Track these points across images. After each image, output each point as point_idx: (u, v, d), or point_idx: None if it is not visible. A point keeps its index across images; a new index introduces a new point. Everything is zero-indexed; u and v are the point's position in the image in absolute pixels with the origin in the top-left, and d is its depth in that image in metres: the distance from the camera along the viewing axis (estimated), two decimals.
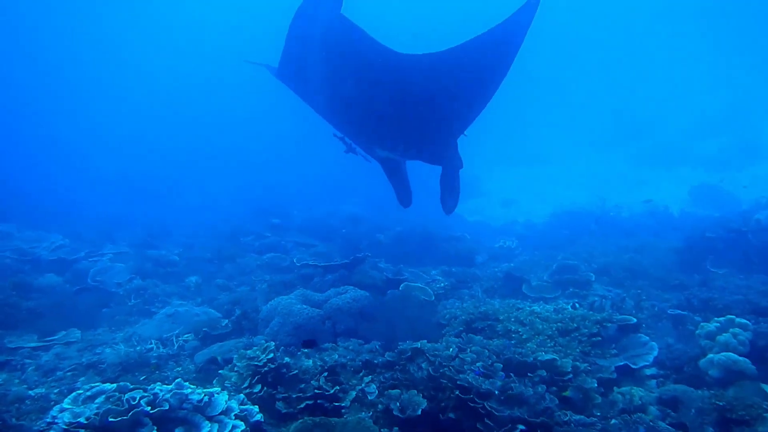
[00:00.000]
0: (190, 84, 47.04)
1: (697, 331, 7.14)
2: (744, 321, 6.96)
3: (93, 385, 4.90)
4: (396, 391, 5.81)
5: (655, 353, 7.03)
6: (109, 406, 4.35)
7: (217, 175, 28.12)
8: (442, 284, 10.47)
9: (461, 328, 7.95)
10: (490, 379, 5.83)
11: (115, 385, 4.82)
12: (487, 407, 5.46)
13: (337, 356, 6.40)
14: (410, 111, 7.08)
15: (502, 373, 6.05)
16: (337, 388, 5.70)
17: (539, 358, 6.41)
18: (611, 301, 8.62)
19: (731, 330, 6.85)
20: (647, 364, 6.91)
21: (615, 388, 6.23)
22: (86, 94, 45.84)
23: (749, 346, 6.71)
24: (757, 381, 6.28)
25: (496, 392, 5.66)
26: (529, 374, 6.23)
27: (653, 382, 6.73)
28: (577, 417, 5.74)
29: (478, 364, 6.07)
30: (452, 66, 6.44)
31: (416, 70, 6.57)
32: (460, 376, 5.80)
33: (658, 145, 28.17)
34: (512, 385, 5.82)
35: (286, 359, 6.05)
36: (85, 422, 4.21)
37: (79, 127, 39.55)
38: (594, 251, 12.55)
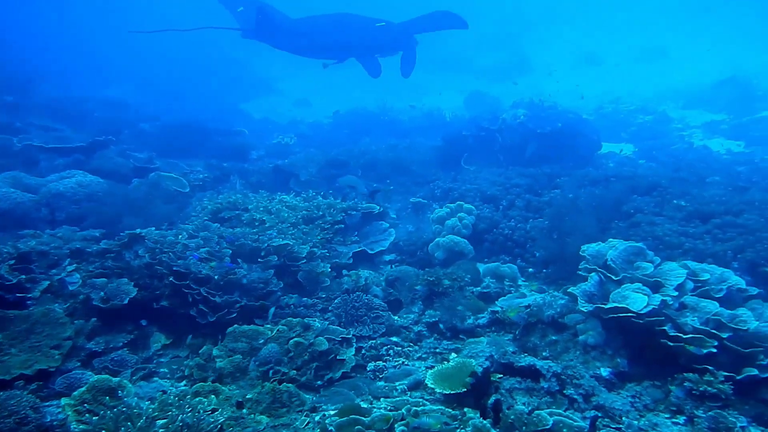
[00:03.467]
0: None
1: (431, 216, 7.56)
2: (470, 206, 7.49)
3: None
4: (102, 280, 5.19)
5: (392, 239, 7.32)
6: None
7: None
8: (202, 176, 9.76)
9: (206, 218, 7.45)
10: (213, 265, 5.50)
11: None
12: (203, 292, 5.15)
13: (35, 243, 5.50)
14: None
15: (228, 258, 5.76)
16: (23, 277, 4.88)
17: (273, 244, 6.22)
18: (362, 191, 8.75)
19: (459, 214, 7.35)
20: (383, 249, 7.17)
21: (344, 272, 6.33)
22: None
23: (471, 228, 7.28)
24: (474, 260, 6.87)
25: (216, 277, 5.36)
26: (259, 260, 6.02)
27: (388, 266, 7.02)
28: (303, 299, 5.74)
29: (201, 250, 5.68)
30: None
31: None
32: (179, 262, 5.36)
33: (446, 56, 29.49)
34: (236, 270, 5.57)
35: None
36: None
37: None
38: (367, 149, 12.71)
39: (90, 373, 4.33)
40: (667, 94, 20.60)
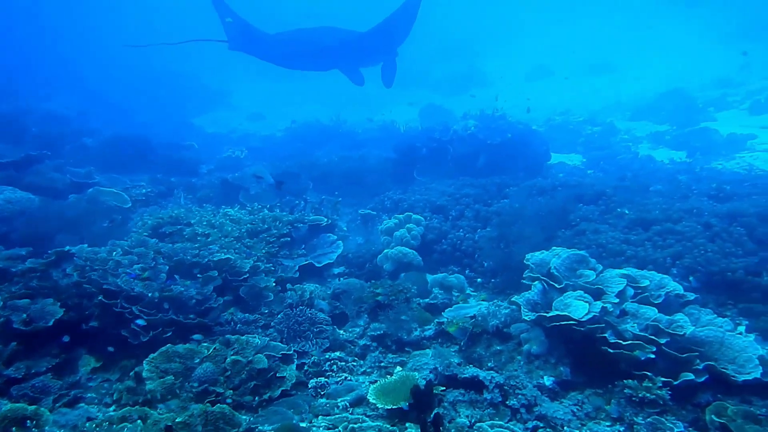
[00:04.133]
0: None
1: (379, 227, 7.46)
2: (419, 217, 7.43)
3: None
4: (25, 301, 4.87)
5: (340, 251, 7.18)
6: None
7: None
8: (145, 191, 9.43)
9: (146, 233, 7.16)
10: (147, 282, 5.25)
11: None
12: (135, 311, 4.90)
13: None
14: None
15: (164, 275, 5.51)
16: None
17: (213, 259, 6.00)
18: (311, 204, 8.60)
19: (407, 225, 7.28)
20: (330, 262, 7.01)
21: (288, 286, 6.14)
22: None
23: (420, 239, 7.21)
24: (423, 271, 6.79)
25: (150, 294, 5.11)
26: (199, 275, 5.79)
27: (336, 280, 6.88)
28: (242, 315, 5.54)
29: (135, 267, 5.42)
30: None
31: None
32: (110, 279, 5.09)
33: (402, 70, 29.62)
34: (173, 286, 5.33)
35: None
36: None
37: None
38: (319, 161, 12.58)
39: (6, 401, 4.03)
40: (614, 106, 21.18)
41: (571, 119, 18.19)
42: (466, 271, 6.85)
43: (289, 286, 6.13)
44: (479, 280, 6.71)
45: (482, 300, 5.95)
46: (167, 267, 5.65)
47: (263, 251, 6.73)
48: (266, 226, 7.17)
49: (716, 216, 6.49)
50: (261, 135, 18.91)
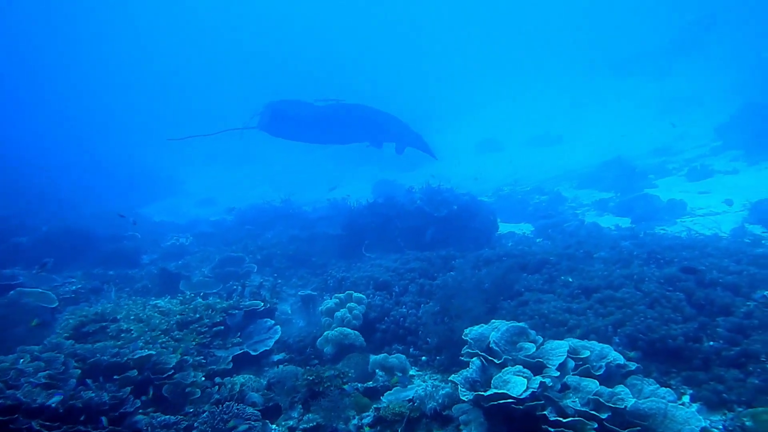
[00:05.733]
0: None
1: (319, 308, 7.13)
2: (360, 295, 7.14)
3: None
4: None
5: (278, 337, 6.79)
6: None
7: None
8: (75, 287, 8.92)
9: (67, 334, 6.65)
10: (51, 390, 4.76)
11: None
12: (35, 426, 4.39)
13: None
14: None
15: (75, 381, 5.03)
16: None
17: (134, 357, 5.54)
18: (250, 288, 8.24)
19: (348, 305, 6.97)
20: (267, 349, 6.61)
21: (217, 379, 5.69)
22: None
23: (362, 319, 6.88)
24: (366, 352, 6.42)
25: (54, 405, 4.61)
26: (115, 377, 5.31)
27: (274, 368, 6.44)
28: (163, 417, 5.03)
29: (39, 374, 4.93)
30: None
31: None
32: (8, 392, 4.59)
33: (358, 147, 30.08)
34: (82, 393, 4.84)
35: None
36: None
37: None
38: (265, 243, 12.30)
39: None
40: (560, 176, 21.75)
41: (519, 189, 18.49)
42: (411, 350, 6.51)
43: (218, 379, 5.68)
44: (424, 358, 6.36)
45: (426, 379, 5.63)
46: (79, 371, 5.17)
47: (194, 343, 6.30)
48: (198, 316, 6.76)
49: (656, 281, 6.41)
50: (211, 220, 18.61)
